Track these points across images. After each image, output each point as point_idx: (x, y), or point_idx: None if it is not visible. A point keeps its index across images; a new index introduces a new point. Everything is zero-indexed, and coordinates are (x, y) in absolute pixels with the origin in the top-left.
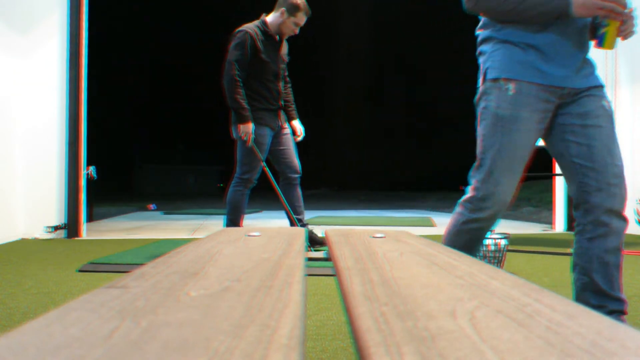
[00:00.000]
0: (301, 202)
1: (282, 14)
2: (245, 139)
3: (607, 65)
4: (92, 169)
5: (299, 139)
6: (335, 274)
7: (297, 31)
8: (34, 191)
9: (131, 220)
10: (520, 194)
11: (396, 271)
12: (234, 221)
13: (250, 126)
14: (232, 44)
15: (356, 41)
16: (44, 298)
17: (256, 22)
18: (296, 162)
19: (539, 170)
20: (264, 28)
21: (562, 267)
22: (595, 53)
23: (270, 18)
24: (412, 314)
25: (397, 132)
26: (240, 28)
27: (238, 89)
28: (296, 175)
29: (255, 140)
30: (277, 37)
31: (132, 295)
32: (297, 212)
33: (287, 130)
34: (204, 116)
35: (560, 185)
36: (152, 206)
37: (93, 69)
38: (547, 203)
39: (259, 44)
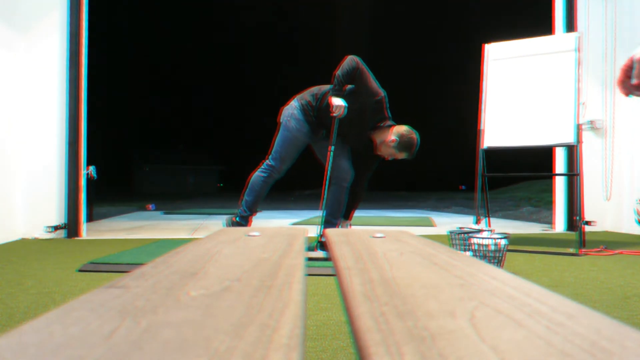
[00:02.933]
0: (343, 205)
1: (392, 142)
2: (336, 113)
3: (606, 65)
4: (92, 168)
5: None
6: (335, 274)
7: (388, 158)
8: (34, 191)
9: (131, 220)
10: (520, 194)
11: (396, 271)
12: (247, 202)
13: (336, 101)
14: (358, 68)
15: (356, 40)
16: (44, 298)
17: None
18: (345, 168)
19: (539, 170)
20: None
21: (562, 267)
22: (594, 53)
23: (378, 132)
24: (412, 314)
25: None
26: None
27: (345, 72)
28: (345, 179)
29: (293, 132)
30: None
31: (132, 295)
32: (345, 213)
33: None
34: (203, 116)
35: (560, 185)
36: (150, 206)
37: (93, 69)
38: (547, 203)
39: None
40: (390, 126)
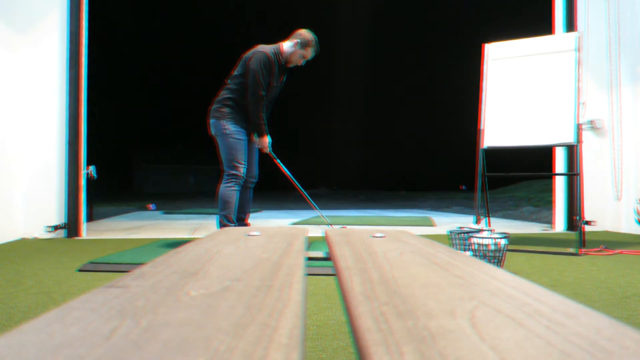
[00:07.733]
0: (250, 204)
1: (294, 45)
2: (267, 150)
3: (610, 65)
4: (92, 168)
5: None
6: (335, 274)
7: (302, 63)
8: (34, 191)
9: (131, 220)
10: (520, 194)
11: (396, 271)
12: (226, 217)
13: (268, 139)
14: (258, 63)
15: (357, 43)
16: (44, 297)
17: (273, 48)
18: (255, 169)
19: (539, 170)
20: (278, 56)
21: (562, 267)
22: (596, 53)
23: (284, 47)
24: (412, 314)
25: (396, 132)
26: (262, 49)
27: (262, 107)
28: (253, 180)
29: (234, 136)
30: (284, 65)
31: (132, 295)
32: (242, 212)
33: (254, 143)
34: (203, 116)
35: (560, 185)
36: (151, 206)
37: (93, 69)
38: (547, 203)
39: (275, 70)
40: (277, 45)
